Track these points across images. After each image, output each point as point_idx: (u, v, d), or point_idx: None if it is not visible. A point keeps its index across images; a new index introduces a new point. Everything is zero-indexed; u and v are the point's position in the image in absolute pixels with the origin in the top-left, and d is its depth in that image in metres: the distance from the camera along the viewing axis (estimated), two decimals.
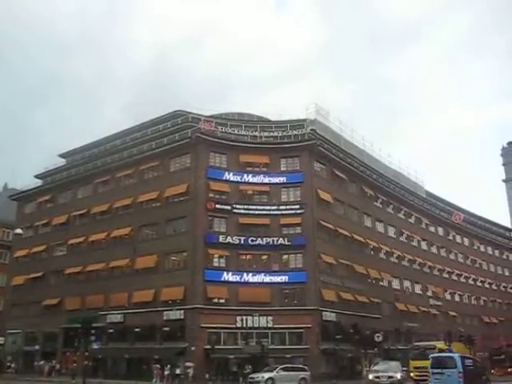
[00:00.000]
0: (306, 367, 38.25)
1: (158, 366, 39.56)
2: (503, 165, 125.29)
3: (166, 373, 38.32)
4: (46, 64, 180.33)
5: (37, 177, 65.49)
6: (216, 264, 45.78)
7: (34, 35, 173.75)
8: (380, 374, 25.69)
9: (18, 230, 52.15)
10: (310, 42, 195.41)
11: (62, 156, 66.61)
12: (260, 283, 45.30)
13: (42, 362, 50.99)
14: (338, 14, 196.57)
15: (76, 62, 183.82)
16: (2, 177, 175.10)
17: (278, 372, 35.63)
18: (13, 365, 51.06)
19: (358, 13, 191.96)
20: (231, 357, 42.56)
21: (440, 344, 38.70)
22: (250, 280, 45.29)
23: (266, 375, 35.33)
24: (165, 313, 44.37)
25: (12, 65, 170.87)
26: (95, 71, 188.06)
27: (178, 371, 41.30)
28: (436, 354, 27.68)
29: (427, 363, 32.50)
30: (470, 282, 75.22)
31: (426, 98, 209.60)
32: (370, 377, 25.32)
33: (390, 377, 25.45)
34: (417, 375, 34.90)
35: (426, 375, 33.14)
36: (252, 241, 46.25)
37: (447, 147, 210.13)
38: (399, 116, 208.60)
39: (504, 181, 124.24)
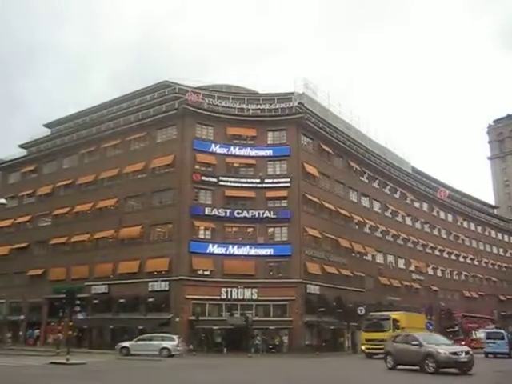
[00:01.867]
0: (174, 337, 35.28)
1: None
2: (489, 142, 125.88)
3: None
4: (31, 32, 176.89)
5: (21, 146, 64.77)
6: (201, 236, 45.99)
7: (21, 3, 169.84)
8: (457, 350, 21.70)
9: (2, 200, 51.12)
10: (300, 14, 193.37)
11: (47, 126, 65.82)
12: (245, 256, 45.59)
13: (29, 331, 51.21)
14: None
15: (62, 31, 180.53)
16: None
17: (135, 341, 34.94)
18: (9, 334, 50.53)
19: None
20: (215, 328, 43.07)
21: (395, 315, 36.12)
22: (236, 252, 45.56)
23: (122, 344, 35.16)
24: (150, 284, 44.60)
25: None
26: (81, 41, 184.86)
27: None
28: (489, 330, 37.30)
29: (381, 335, 32.28)
30: (453, 257, 76.24)
31: (413, 73, 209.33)
32: (441, 351, 20.98)
33: (467, 352, 21.53)
34: (368, 348, 34.01)
35: (380, 348, 31.35)
36: (238, 213, 46.37)
37: (434, 124, 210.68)
38: (385, 90, 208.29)
39: (489, 158, 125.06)
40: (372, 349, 33.29)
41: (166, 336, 35.59)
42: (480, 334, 53.24)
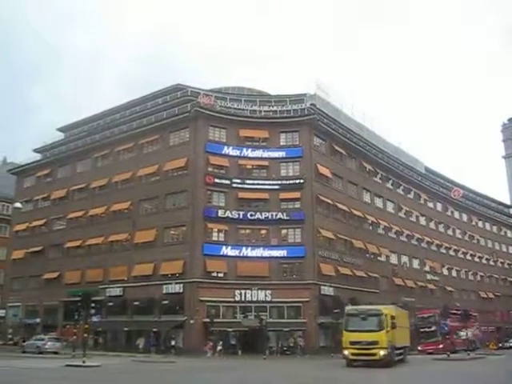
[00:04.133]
0: (45, 337, 43.15)
1: (210, 342, 40.16)
2: (503, 141, 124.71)
3: (219, 348, 39.31)
4: (44, 37, 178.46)
5: (36, 151, 65.36)
6: (215, 238, 45.98)
7: (33, 8, 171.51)
8: None
9: (18, 204, 51.90)
10: (309, 16, 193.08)
11: (61, 130, 66.35)
12: (259, 257, 45.55)
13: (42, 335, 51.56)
14: None
15: (74, 36, 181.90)
16: (0, 151, 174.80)
17: (30, 341, 43.09)
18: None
19: None
20: (230, 330, 43.11)
21: (387, 309, 28.69)
22: (249, 254, 45.54)
23: (24, 343, 43.65)
24: (164, 286, 44.71)
25: (9, 38, 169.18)
26: (93, 45, 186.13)
27: (172, 343, 41.96)
28: None
29: (371, 336, 26.28)
30: (468, 257, 75.68)
31: (428, 72, 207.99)
32: None
33: None
34: (354, 354, 26.88)
35: (370, 354, 26.28)
36: (251, 215, 46.36)
37: (448, 123, 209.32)
38: (398, 90, 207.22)
39: (504, 157, 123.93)
40: (359, 354, 26.74)
41: (42, 337, 43.22)
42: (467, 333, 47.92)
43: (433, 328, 45.79)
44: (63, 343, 41.98)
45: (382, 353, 26.14)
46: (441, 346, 43.88)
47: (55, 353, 39.26)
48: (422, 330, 45.85)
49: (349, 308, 30.37)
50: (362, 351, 26.51)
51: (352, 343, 26.85)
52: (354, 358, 26.98)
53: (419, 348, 44.86)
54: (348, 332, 27.37)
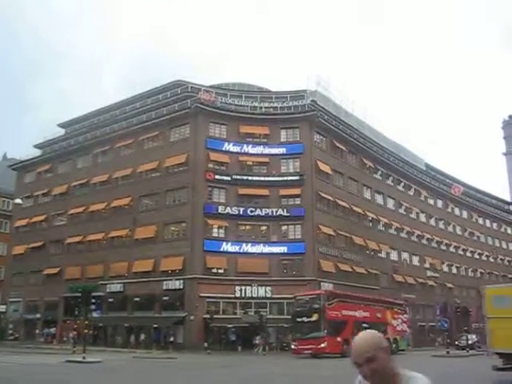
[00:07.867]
0: None
1: (260, 337, 40.47)
2: (504, 138, 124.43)
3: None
4: (44, 36, 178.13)
5: (36, 146, 65.25)
6: (215, 234, 46.09)
7: (35, 7, 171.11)
8: None
9: (18, 200, 52.15)
10: (312, 11, 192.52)
11: (62, 126, 66.32)
12: (259, 254, 45.59)
13: (45, 330, 51.91)
14: None
15: (74, 35, 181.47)
16: (1, 146, 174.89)
17: None
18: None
19: None
20: (230, 326, 43.18)
21: None
22: (249, 250, 45.56)
23: None
24: (164, 282, 44.81)
25: (12, 36, 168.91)
26: (93, 43, 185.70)
27: (171, 339, 41.96)
28: None
29: None
30: (468, 254, 75.73)
31: (428, 69, 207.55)
32: None
33: None
34: None
35: None
36: (251, 211, 46.38)
37: (448, 120, 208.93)
38: (399, 86, 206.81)
39: (504, 154, 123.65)
40: None
41: None
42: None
43: (315, 317, 32.06)
44: None
45: None
46: (322, 344, 31.04)
47: None
48: (299, 319, 33.07)
49: None
50: None
51: None
52: None
53: (293, 347, 33.56)
54: None
